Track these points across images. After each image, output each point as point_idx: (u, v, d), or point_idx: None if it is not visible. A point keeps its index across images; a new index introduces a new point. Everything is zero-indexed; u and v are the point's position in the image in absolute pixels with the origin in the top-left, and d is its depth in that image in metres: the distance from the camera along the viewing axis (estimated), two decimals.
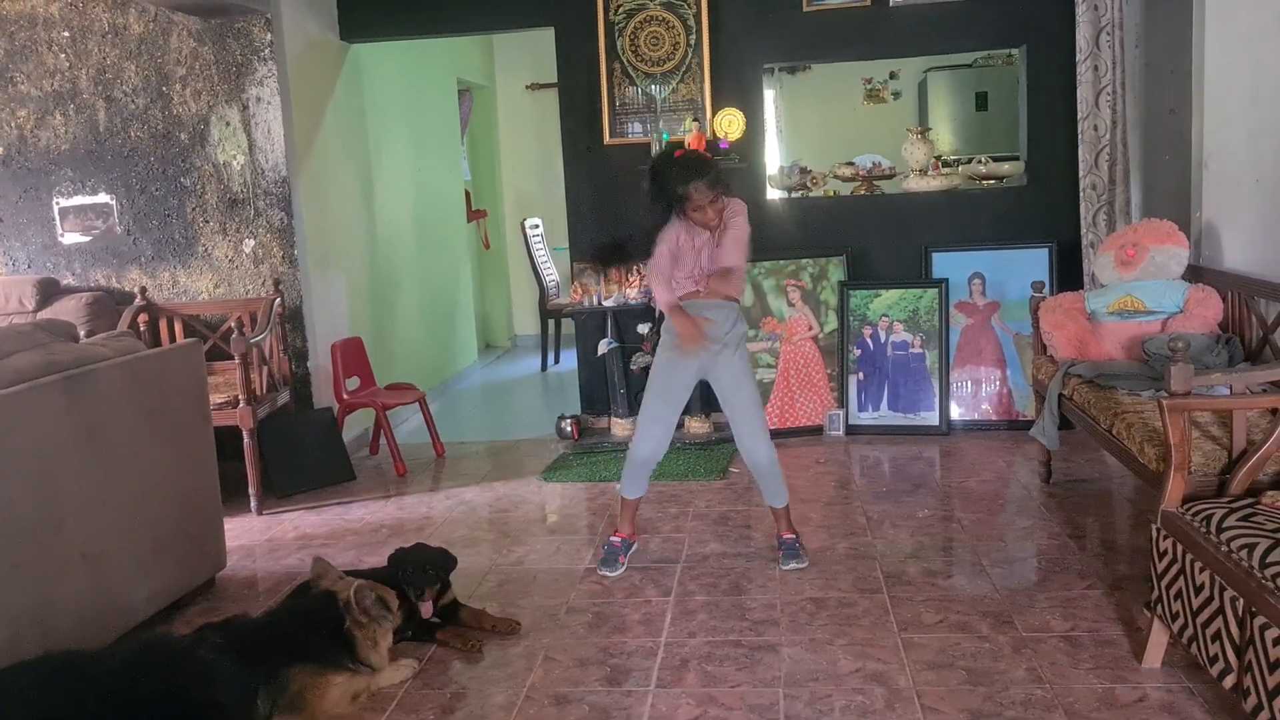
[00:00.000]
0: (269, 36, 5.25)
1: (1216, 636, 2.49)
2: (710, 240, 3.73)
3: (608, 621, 3.46)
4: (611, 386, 5.85)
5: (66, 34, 5.36)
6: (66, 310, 5.09)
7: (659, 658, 3.16)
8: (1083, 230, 5.40)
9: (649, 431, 3.89)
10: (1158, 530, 2.85)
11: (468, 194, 8.76)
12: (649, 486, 4.07)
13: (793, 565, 3.83)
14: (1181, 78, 4.83)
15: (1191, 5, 4.58)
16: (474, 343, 8.55)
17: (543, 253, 8.50)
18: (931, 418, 5.58)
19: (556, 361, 8.35)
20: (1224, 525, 2.56)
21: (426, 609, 3.34)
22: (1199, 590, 2.58)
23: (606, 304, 5.78)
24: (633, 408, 5.79)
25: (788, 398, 5.70)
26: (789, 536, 3.92)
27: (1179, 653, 2.92)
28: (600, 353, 5.81)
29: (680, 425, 5.64)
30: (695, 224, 3.70)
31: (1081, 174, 5.37)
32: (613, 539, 3.98)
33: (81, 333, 4.31)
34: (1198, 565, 2.60)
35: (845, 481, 4.90)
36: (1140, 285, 4.28)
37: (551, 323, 8.33)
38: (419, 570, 3.38)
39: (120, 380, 3.45)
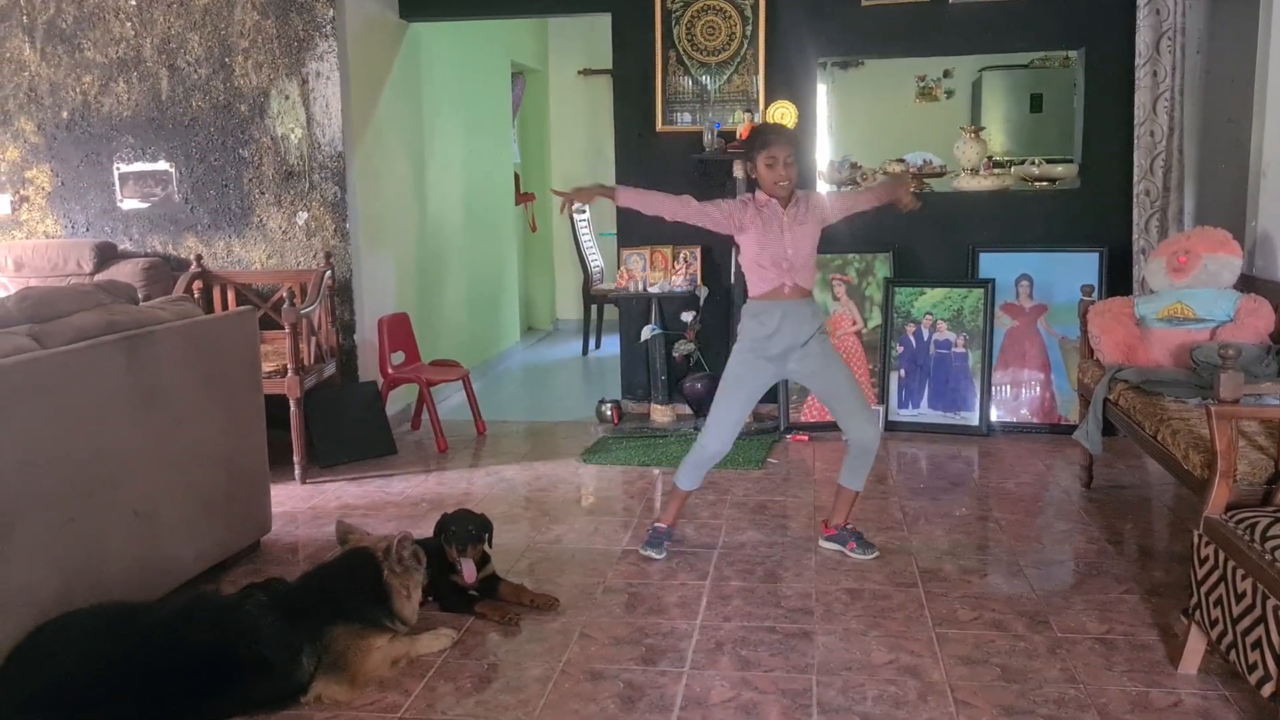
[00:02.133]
0: (331, 12, 5.31)
1: (1257, 644, 2.48)
2: (784, 222, 3.77)
3: (644, 603, 3.50)
4: (653, 373, 5.88)
5: (133, 2, 5.45)
6: (123, 274, 5.18)
7: (694, 640, 3.20)
8: (1134, 236, 5.36)
9: (722, 430, 3.86)
10: (1200, 536, 2.85)
11: (517, 177, 8.82)
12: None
13: (873, 554, 3.87)
14: (1243, 86, 4.78)
15: (1258, 13, 4.52)
16: (517, 324, 8.62)
17: (588, 238, 8.55)
18: (972, 418, 5.56)
19: (598, 346, 8.41)
20: (1269, 534, 2.56)
21: (469, 570, 3.41)
22: (1240, 598, 2.58)
23: (651, 290, 5.81)
24: (673, 395, 5.84)
25: None
26: (851, 526, 3.97)
27: (1216, 660, 2.91)
28: (643, 339, 5.84)
29: None
30: (765, 183, 3.76)
31: (1135, 179, 5.33)
32: (658, 524, 4.01)
33: (139, 295, 4.39)
34: (1240, 572, 2.60)
35: (882, 477, 4.90)
36: (1191, 293, 4.25)
37: (594, 308, 8.38)
38: (463, 530, 3.45)
39: (177, 343, 3.53)
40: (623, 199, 3.85)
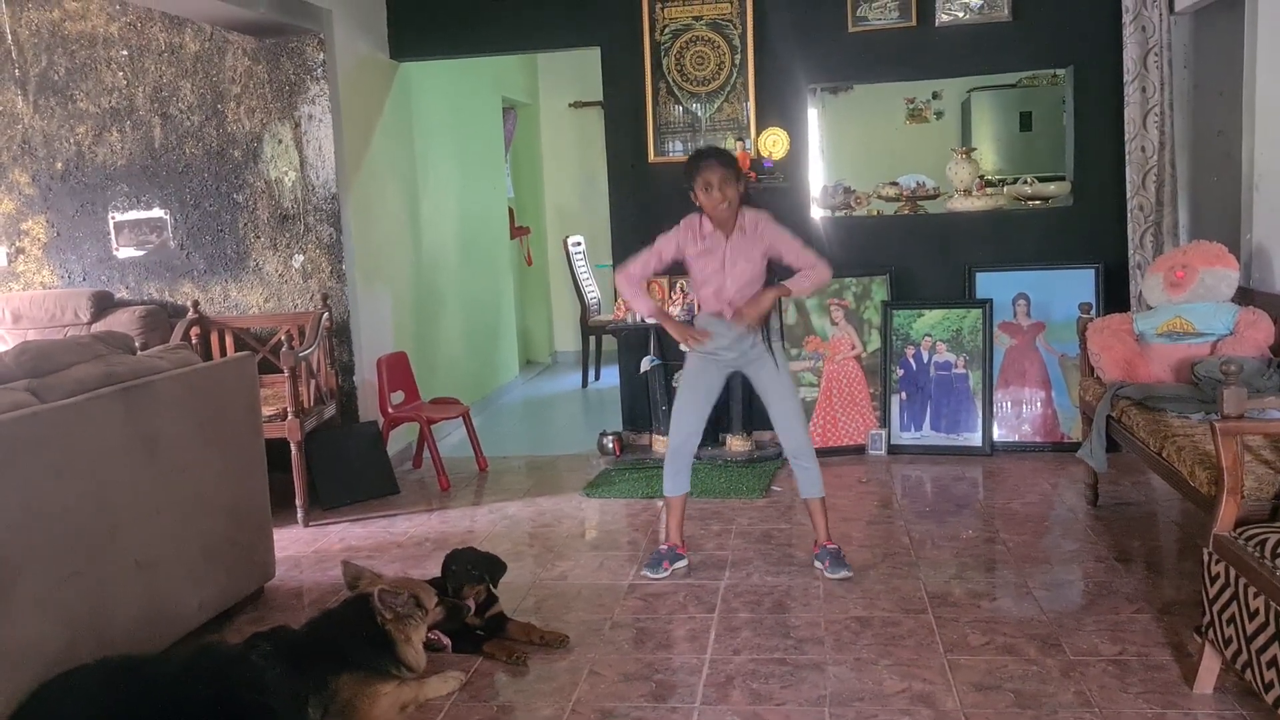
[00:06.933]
0: (321, 56, 5.34)
1: (1272, 663, 2.46)
2: (726, 255, 3.83)
3: (652, 637, 3.47)
4: (654, 403, 5.87)
5: (125, 53, 5.47)
6: (120, 323, 5.18)
7: (704, 674, 3.17)
8: (1130, 251, 5.37)
9: (679, 421, 4.04)
10: (1209, 554, 2.83)
11: (511, 211, 8.83)
12: (688, 494, 4.11)
13: (842, 574, 3.85)
14: (1231, 99, 4.80)
15: (1243, 27, 4.55)
16: (515, 358, 8.61)
17: (584, 270, 8.55)
18: (974, 438, 5.55)
19: (597, 378, 8.40)
20: (1279, 550, 2.54)
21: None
22: (1253, 615, 2.56)
23: (649, 321, 5.79)
24: None
25: (830, 417, 5.69)
26: (832, 546, 3.96)
27: (1231, 679, 2.89)
28: (643, 370, 5.83)
29: (721, 443, 5.69)
30: (705, 208, 3.83)
31: (1129, 195, 5.34)
32: (660, 546, 4.09)
33: (136, 345, 4.39)
34: (1251, 590, 2.58)
35: (887, 501, 4.88)
36: (1190, 307, 4.25)
37: (593, 339, 8.38)
38: (464, 569, 3.48)
39: (176, 392, 3.52)
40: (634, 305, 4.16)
